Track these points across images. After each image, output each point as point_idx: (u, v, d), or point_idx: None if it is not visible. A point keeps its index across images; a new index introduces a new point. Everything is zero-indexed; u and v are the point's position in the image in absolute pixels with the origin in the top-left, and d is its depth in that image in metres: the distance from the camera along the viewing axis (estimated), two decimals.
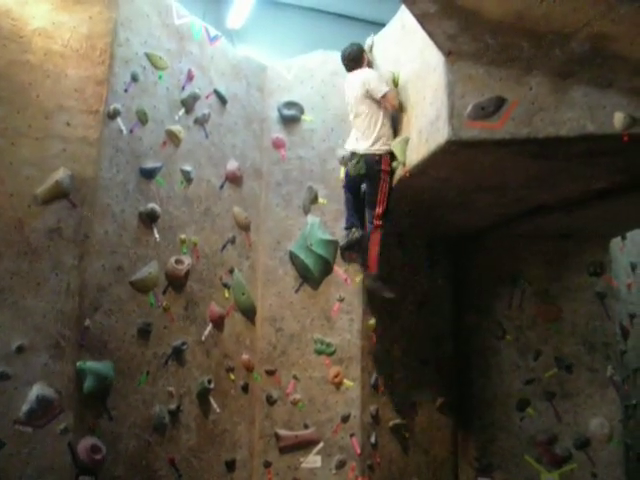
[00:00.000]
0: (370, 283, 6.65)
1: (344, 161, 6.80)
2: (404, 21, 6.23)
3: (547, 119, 4.88)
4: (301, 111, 7.41)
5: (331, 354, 6.76)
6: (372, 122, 6.41)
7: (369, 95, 6.37)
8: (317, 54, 7.56)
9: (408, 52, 6.13)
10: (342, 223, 6.97)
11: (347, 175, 6.76)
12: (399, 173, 6.01)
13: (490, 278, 7.77)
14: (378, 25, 6.82)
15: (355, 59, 6.73)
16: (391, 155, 6.31)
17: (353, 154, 6.55)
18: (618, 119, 4.74)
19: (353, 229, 6.75)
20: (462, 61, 5.05)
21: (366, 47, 6.89)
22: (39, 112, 5.31)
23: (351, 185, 6.78)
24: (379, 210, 6.39)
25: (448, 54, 5.07)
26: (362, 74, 6.53)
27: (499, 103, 4.94)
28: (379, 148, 6.36)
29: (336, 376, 6.68)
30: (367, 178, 6.45)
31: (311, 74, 7.44)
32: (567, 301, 7.41)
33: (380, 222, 6.40)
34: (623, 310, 7.72)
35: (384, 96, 6.27)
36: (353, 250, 6.84)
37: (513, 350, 7.52)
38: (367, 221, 6.59)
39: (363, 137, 6.45)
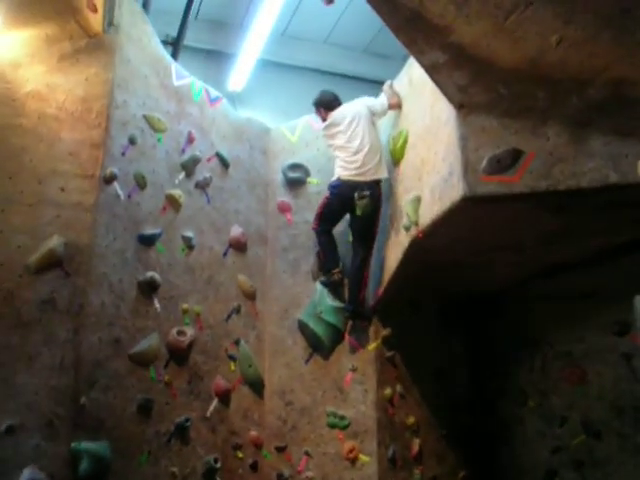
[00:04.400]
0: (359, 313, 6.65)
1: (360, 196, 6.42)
2: (411, 76, 6.19)
3: (567, 170, 4.66)
4: (307, 174, 7.33)
5: (345, 427, 6.47)
6: (376, 147, 6.42)
7: (372, 116, 6.47)
8: None
9: (417, 107, 6.02)
10: None
11: (353, 216, 6.52)
12: (411, 234, 5.75)
13: (509, 342, 7.50)
14: (383, 84, 6.69)
15: (338, 97, 6.86)
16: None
17: (355, 186, 6.33)
18: None
19: (333, 270, 6.65)
20: (474, 113, 4.86)
21: (385, 87, 6.74)
22: (32, 177, 5.20)
23: (330, 221, 6.70)
24: (372, 244, 6.54)
25: (459, 107, 4.90)
26: (360, 100, 6.63)
27: (515, 156, 4.73)
28: (384, 173, 6.42)
29: (351, 451, 6.36)
30: (369, 216, 6.37)
31: (316, 135, 7.34)
32: (592, 363, 7.07)
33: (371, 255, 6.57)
34: None
35: (389, 105, 6.49)
36: (331, 288, 6.68)
37: (537, 417, 7.17)
38: (358, 257, 6.53)
39: (367, 162, 6.35)
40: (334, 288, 6.70)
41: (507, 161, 4.72)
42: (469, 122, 4.86)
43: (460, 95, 4.80)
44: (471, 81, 4.66)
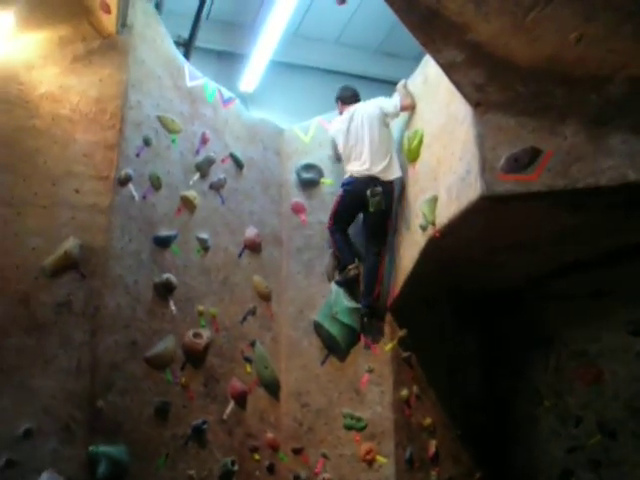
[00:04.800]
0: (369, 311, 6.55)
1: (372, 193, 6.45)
2: (426, 75, 6.13)
3: (585, 169, 4.59)
4: (320, 174, 7.28)
5: (362, 429, 6.38)
6: (386, 147, 6.46)
7: (385, 117, 6.52)
8: (334, 115, 7.36)
9: (432, 106, 5.95)
10: None
11: (365, 213, 6.55)
12: (428, 234, 5.70)
13: (524, 341, 7.41)
14: (395, 84, 6.67)
15: (358, 94, 7.01)
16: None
17: (368, 182, 6.37)
18: None
19: (350, 266, 6.56)
20: (491, 112, 4.80)
21: (399, 87, 6.69)
22: (46, 179, 5.16)
23: (344, 219, 6.69)
24: (385, 241, 6.55)
25: (476, 105, 4.83)
26: (374, 100, 6.69)
27: (533, 154, 4.66)
28: (394, 174, 6.43)
29: (368, 452, 6.28)
30: (382, 212, 6.39)
31: (329, 136, 7.25)
32: (607, 363, 6.99)
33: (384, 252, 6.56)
34: None
35: (402, 106, 6.45)
36: (347, 287, 6.63)
37: (552, 417, 7.09)
38: (371, 254, 6.54)
39: (377, 162, 6.40)
40: (350, 287, 6.64)
41: (525, 160, 4.66)
42: (486, 121, 4.80)
43: (477, 94, 4.74)
44: (488, 79, 4.60)
